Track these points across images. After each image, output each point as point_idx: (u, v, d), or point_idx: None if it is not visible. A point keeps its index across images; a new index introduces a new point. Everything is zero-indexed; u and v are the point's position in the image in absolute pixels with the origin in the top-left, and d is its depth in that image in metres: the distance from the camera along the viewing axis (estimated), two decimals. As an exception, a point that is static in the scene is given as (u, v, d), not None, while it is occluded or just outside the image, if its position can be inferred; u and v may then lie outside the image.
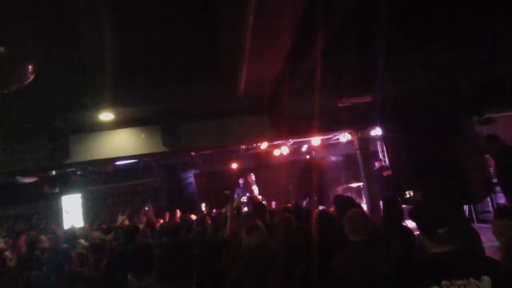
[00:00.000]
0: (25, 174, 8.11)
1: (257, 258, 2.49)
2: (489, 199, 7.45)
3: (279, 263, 2.58)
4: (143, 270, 2.29)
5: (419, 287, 1.70)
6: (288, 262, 2.63)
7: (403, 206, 3.77)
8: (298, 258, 2.73)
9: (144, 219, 7.07)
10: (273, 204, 9.25)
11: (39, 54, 3.42)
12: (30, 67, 3.29)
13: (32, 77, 3.44)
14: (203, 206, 9.71)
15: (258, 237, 2.54)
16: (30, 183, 8.92)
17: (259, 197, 9.41)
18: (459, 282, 1.64)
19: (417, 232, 4.59)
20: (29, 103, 4.97)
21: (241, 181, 10.02)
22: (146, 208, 7.22)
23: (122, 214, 6.88)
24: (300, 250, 2.81)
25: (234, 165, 10.62)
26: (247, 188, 9.82)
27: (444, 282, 1.65)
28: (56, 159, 6.46)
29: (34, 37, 3.78)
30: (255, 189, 9.81)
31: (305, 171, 10.86)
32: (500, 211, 2.65)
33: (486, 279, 1.63)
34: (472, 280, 1.63)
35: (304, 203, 6.75)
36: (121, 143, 6.80)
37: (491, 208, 7.69)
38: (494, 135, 4.46)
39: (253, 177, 10.01)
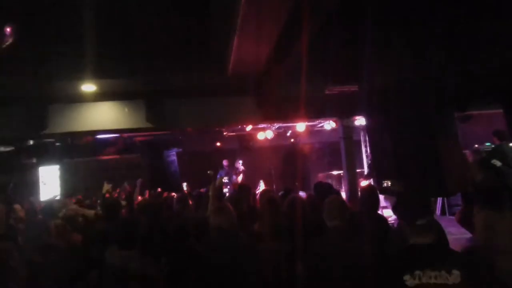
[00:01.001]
0: (0, 142, 7.86)
1: (221, 238, 2.56)
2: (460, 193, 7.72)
3: (251, 244, 2.63)
4: (127, 244, 2.29)
5: (393, 275, 1.78)
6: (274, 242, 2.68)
7: (380, 195, 3.86)
8: (282, 237, 2.80)
9: (123, 195, 6.98)
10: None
11: (18, 18, 3.25)
12: (8, 29, 3.10)
13: (11, 40, 3.26)
14: (185, 186, 9.68)
15: (221, 218, 2.59)
16: (6, 152, 8.66)
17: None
18: (431, 273, 1.72)
19: (392, 222, 4.75)
20: (6, 69, 4.76)
21: (225, 163, 9.98)
22: (125, 184, 7.11)
23: (108, 183, 6.73)
24: (283, 231, 2.88)
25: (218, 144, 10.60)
26: (234, 173, 9.78)
27: (417, 272, 1.73)
28: (34, 128, 6.27)
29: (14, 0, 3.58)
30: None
31: (289, 156, 10.93)
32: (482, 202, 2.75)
33: (456, 273, 1.71)
34: (443, 272, 1.71)
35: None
36: (102, 116, 6.64)
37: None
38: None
39: (240, 163, 9.95)
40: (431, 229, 1.85)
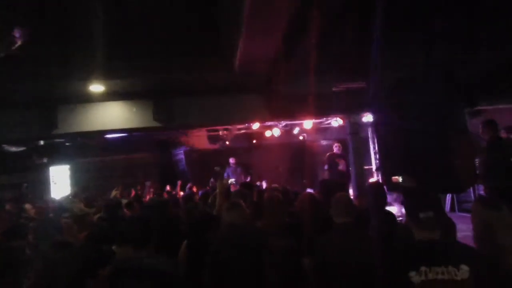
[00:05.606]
0: (12, 143, 7.99)
1: (234, 234, 2.56)
2: (471, 189, 7.63)
3: (262, 240, 2.63)
4: (141, 241, 2.32)
5: (398, 272, 1.76)
6: (274, 239, 2.68)
7: (388, 191, 3.83)
8: (287, 235, 2.80)
9: (133, 193, 7.10)
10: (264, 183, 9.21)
11: (27, 20, 3.30)
12: (19, 32, 3.16)
13: (20, 42, 3.32)
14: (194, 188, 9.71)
15: (235, 214, 2.60)
16: (18, 152, 8.80)
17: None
18: (437, 269, 1.69)
19: (400, 218, 4.72)
20: (17, 70, 4.84)
21: (231, 160, 9.98)
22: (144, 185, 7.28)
23: (117, 190, 6.92)
24: (287, 229, 2.89)
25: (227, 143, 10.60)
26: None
27: (422, 268, 1.70)
28: (44, 129, 6.37)
29: (23, 3, 3.64)
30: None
31: (297, 153, 10.91)
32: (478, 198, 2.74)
33: (464, 267, 1.68)
34: (450, 268, 1.69)
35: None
36: (111, 116, 6.71)
37: (473, 198, 7.88)
38: (493, 121, 4.37)
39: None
40: (436, 224, 1.82)
